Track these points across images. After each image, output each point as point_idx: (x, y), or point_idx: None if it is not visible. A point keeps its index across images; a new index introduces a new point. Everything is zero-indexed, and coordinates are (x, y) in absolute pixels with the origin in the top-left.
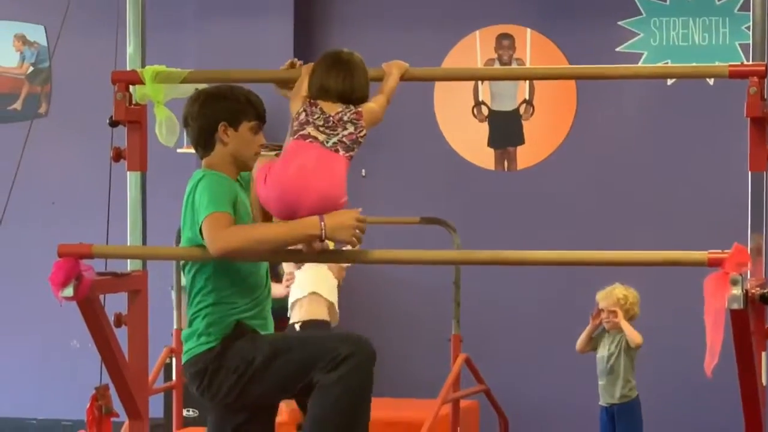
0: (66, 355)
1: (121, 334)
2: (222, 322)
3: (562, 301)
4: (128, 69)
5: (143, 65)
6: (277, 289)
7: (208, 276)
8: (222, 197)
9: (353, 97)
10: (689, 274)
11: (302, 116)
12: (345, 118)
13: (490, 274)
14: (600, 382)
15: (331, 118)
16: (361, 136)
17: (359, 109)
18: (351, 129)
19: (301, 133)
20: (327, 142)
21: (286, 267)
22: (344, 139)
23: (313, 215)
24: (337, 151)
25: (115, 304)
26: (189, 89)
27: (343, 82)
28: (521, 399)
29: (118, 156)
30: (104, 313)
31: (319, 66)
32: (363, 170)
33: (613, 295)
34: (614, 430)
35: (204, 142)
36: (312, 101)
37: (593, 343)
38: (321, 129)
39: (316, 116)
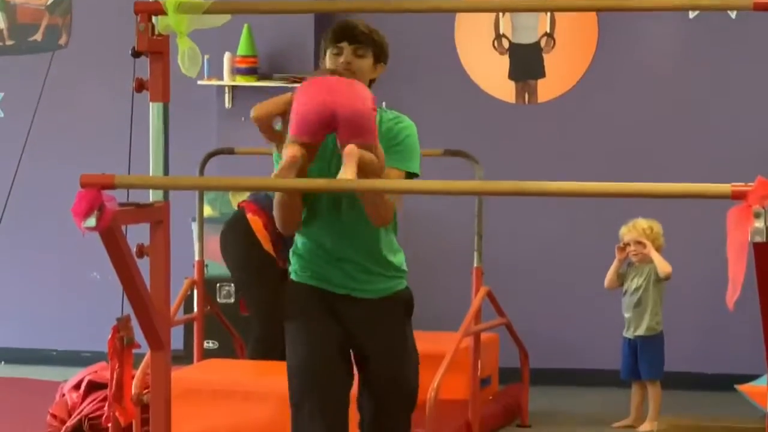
0: (86, 287)
1: (143, 266)
2: None
3: (583, 235)
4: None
5: None
6: None
7: None
8: None
9: None
10: (712, 208)
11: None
12: None
13: (512, 207)
14: (626, 315)
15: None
16: None
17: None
18: None
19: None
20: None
21: None
22: None
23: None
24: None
25: (136, 236)
26: (212, 20)
27: None
28: (542, 332)
29: (140, 87)
30: (126, 243)
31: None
32: (383, 103)
33: (637, 227)
34: (636, 362)
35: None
36: None
37: (621, 278)
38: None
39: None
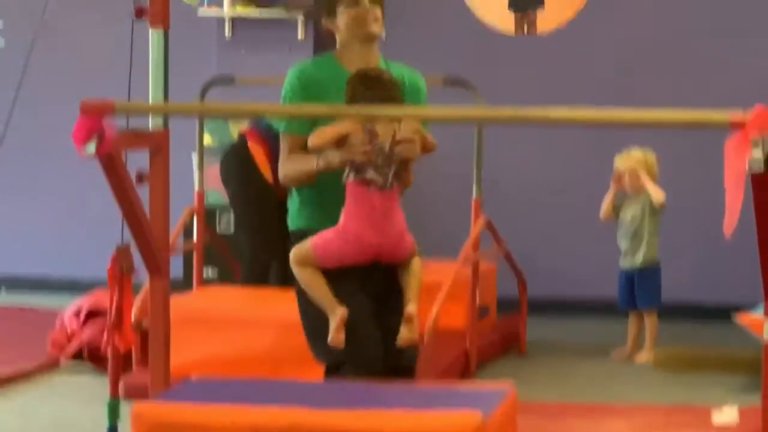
0: (87, 215)
1: (143, 196)
2: None
3: (582, 166)
4: None
5: None
6: None
7: None
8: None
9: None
10: (712, 138)
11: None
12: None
13: (512, 138)
14: (622, 246)
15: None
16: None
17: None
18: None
19: (361, 177)
20: (385, 185)
21: None
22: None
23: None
24: (392, 186)
25: (137, 166)
26: None
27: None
28: (540, 262)
29: (140, 13)
30: (126, 170)
31: (356, 86)
32: (383, 34)
33: (632, 156)
34: (633, 292)
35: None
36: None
37: (616, 209)
38: (379, 169)
39: (375, 153)
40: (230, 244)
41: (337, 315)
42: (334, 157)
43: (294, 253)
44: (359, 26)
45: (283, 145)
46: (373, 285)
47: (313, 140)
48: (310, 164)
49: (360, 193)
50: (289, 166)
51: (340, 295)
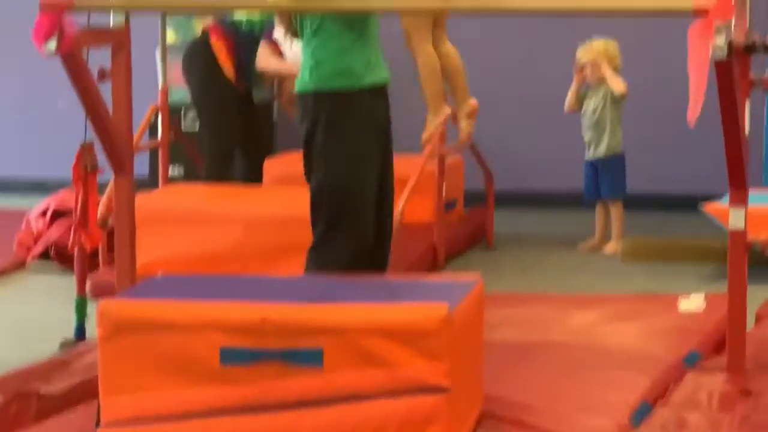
0: (51, 114)
1: (107, 93)
2: None
3: (546, 58)
4: None
5: None
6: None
7: None
8: None
9: None
10: (675, 26)
11: None
12: None
13: (475, 32)
14: (586, 137)
15: None
16: None
17: None
18: None
19: None
20: None
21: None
22: None
23: None
24: None
25: (100, 61)
26: None
27: None
28: (506, 155)
29: None
30: (87, 67)
31: None
32: None
33: (593, 47)
34: (598, 183)
35: None
36: None
37: (580, 100)
38: None
39: None
40: (196, 142)
41: (441, 113)
42: None
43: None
44: None
45: None
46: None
47: None
48: None
49: None
50: None
51: (364, 148)
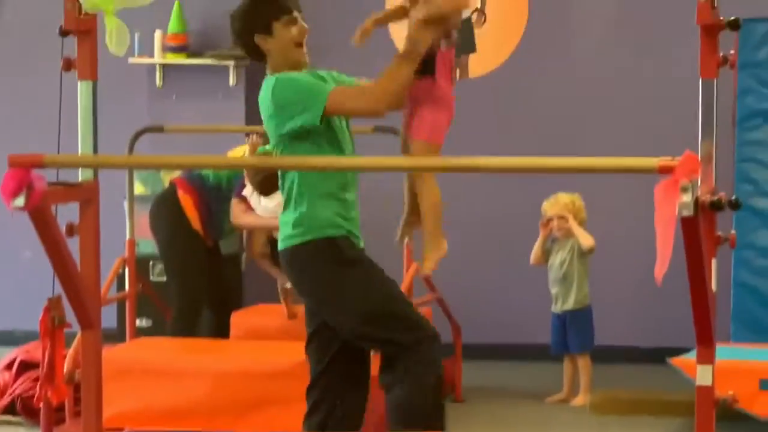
0: (19, 267)
1: (74, 246)
2: None
3: (513, 211)
4: None
5: None
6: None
7: None
8: (312, 81)
9: None
10: (642, 183)
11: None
12: None
13: (443, 184)
14: (553, 290)
15: None
16: None
17: None
18: None
19: (449, 42)
20: None
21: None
22: None
23: None
24: None
25: (67, 215)
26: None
27: None
28: (473, 308)
29: (68, 66)
30: (56, 223)
31: None
32: None
33: (559, 201)
34: (565, 336)
35: (255, 56)
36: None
37: (546, 253)
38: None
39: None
40: (164, 293)
41: (442, 248)
42: (429, 33)
43: (418, 151)
44: (300, 43)
45: (343, 93)
46: None
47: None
48: (405, 64)
49: (448, 58)
50: (383, 84)
51: (371, 272)
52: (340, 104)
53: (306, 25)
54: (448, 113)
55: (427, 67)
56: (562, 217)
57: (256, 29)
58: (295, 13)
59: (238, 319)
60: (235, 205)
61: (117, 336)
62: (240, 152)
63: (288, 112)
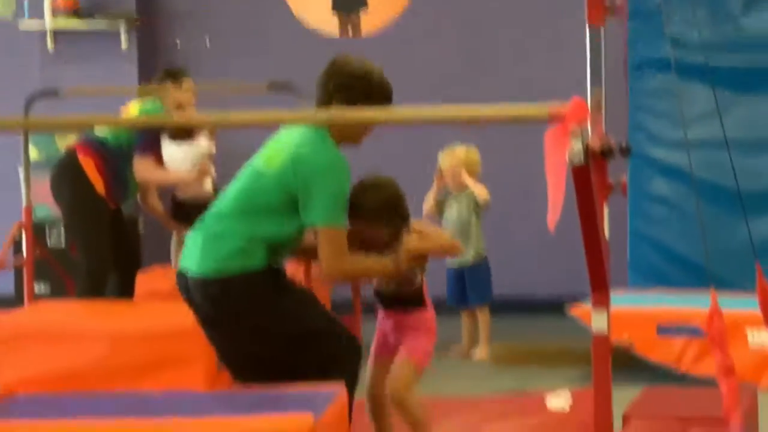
0: None
1: None
2: None
3: (407, 163)
4: None
5: None
6: None
7: None
8: (346, 194)
9: None
10: (532, 131)
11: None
12: None
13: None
14: None
15: None
16: None
17: None
18: None
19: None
20: None
21: None
22: None
23: None
24: None
25: None
26: None
27: None
28: None
29: None
30: None
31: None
32: (207, 39)
33: (454, 154)
34: (463, 290)
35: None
36: None
37: (440, 205)
38: None
39: None
40: (62, 259)
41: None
42: (414, 263)
43: (400, 384)
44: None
45: (334, 240)
46: None
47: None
48: (381, 267)
49: (426, 288)
50: (355, 265)
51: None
52: (325, 242)
53: None
54: (434, 338)
55: (418, 299)
56: (456, 170)
57: (357, 101)
58: None
59: (141, 281)
60: (138, 162)
61: (15, 302)
62: (134, 109)
63: (313, 199)
